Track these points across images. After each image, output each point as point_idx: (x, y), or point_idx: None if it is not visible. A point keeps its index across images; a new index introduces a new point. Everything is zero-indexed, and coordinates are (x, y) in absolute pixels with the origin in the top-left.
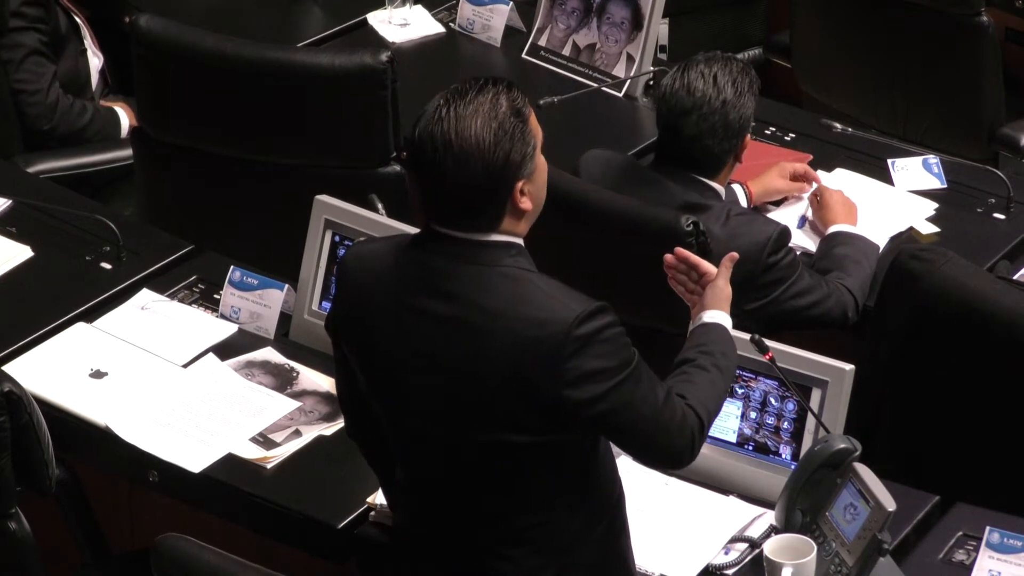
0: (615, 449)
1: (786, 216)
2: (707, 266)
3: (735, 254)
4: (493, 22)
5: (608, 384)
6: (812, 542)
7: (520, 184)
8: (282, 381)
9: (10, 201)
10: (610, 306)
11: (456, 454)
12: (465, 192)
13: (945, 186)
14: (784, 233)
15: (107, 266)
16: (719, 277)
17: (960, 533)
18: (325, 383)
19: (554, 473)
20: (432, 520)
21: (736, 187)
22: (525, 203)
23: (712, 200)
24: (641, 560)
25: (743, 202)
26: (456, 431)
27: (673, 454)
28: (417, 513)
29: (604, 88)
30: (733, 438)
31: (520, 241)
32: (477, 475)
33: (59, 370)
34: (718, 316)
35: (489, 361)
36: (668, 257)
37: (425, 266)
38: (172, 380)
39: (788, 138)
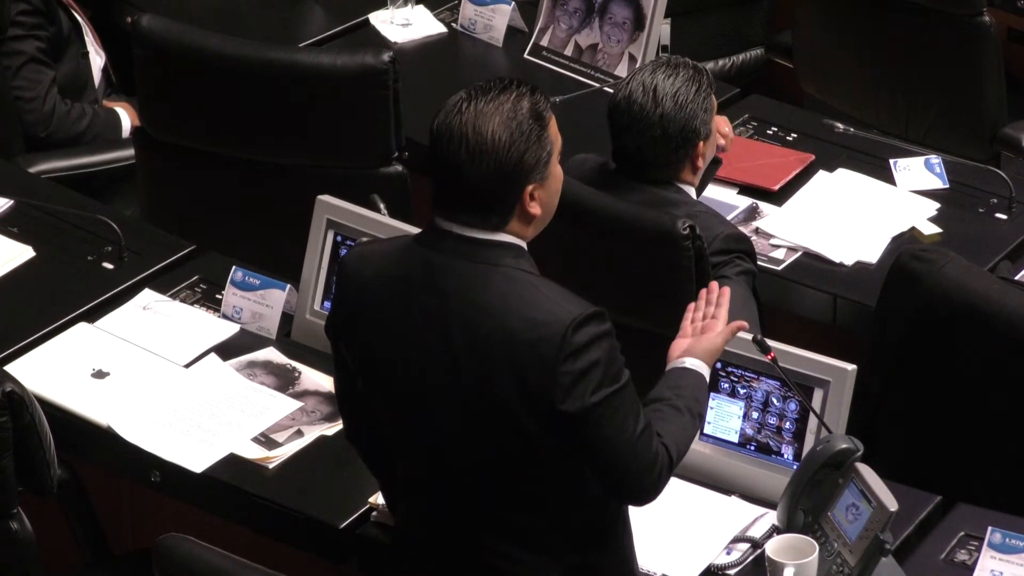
0: None
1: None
2: (724, 314)
3: (744, 323)
4: (495, 22)
5: (596, 395)
6: (814, 542)
7: (531, 188)
8: (284, 381)
9: (12, 201)
10: (607, 314)
11: (455, 454)
12: (475, 187)
13: (947, 186)
14: (733, 238)
15: (109, 266)
16: (720, 335)
17: (962, 533)
18: (327, 383)
19: (555, 473)
20: (433, 520)
21: None
22: (534, 208)
23: (679, 196)
24: (643, 560)
25: None
26: (455, 431)
27: (639, 487)
28: (418, 513)
29: (606, 88)
30: (735, 438)
31: (524, 244)
32: (477, 475)
33: (61, 370)
34: (700, 366)
35: (486, 361)
36: (714, 284)
37: (426, 263)
38: (174, 380)
39: (790, 138)
